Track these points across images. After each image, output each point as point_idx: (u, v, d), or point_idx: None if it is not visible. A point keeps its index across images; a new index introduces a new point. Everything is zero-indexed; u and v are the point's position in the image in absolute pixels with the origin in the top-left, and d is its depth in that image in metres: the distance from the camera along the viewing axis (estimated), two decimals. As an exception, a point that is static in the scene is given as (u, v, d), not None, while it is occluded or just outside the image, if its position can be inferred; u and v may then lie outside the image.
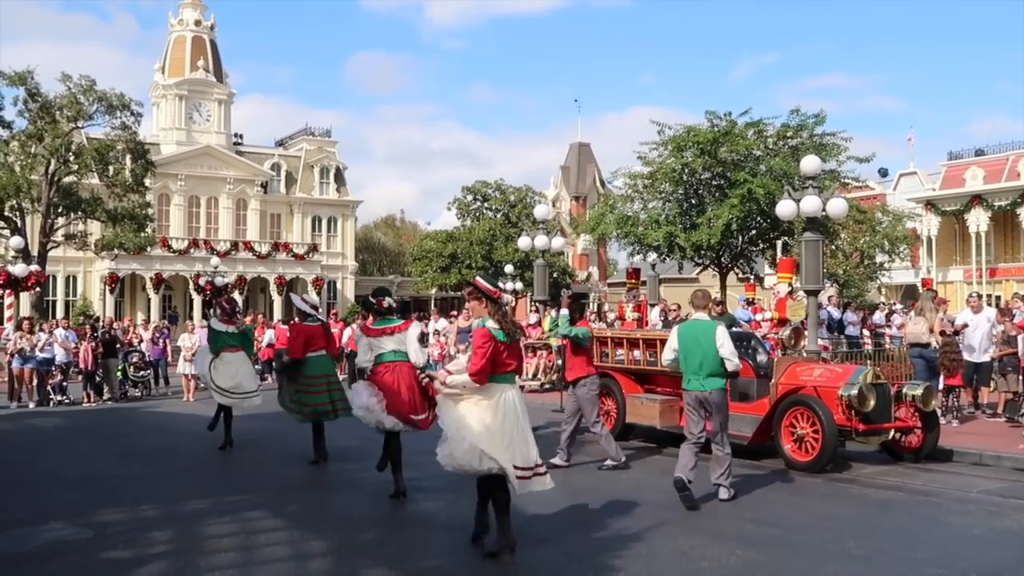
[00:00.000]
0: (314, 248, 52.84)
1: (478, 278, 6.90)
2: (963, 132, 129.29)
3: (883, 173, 50.30)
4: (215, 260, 41.29)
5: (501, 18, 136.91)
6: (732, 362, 8.61)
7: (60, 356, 19.53)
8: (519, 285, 41.87)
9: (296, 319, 11.85)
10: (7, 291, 25.83)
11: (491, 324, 6.52)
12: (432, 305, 46.05)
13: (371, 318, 9.49)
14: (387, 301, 8.89)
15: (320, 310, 13.19)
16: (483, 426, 6.37)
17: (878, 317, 22.77)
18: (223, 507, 8.68)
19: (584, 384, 10.75)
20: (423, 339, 9.97)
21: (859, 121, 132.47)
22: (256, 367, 16.62)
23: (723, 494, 8.70)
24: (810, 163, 14.22)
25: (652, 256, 28.25)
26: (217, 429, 12.65)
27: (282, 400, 11.41)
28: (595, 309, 40.19)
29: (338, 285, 55.26)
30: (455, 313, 24.52)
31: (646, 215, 28.28)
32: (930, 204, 45.48)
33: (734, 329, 12.35)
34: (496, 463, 6.34)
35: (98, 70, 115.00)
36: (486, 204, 53.44)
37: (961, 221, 45.08)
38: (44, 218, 35.47)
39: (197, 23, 53.25)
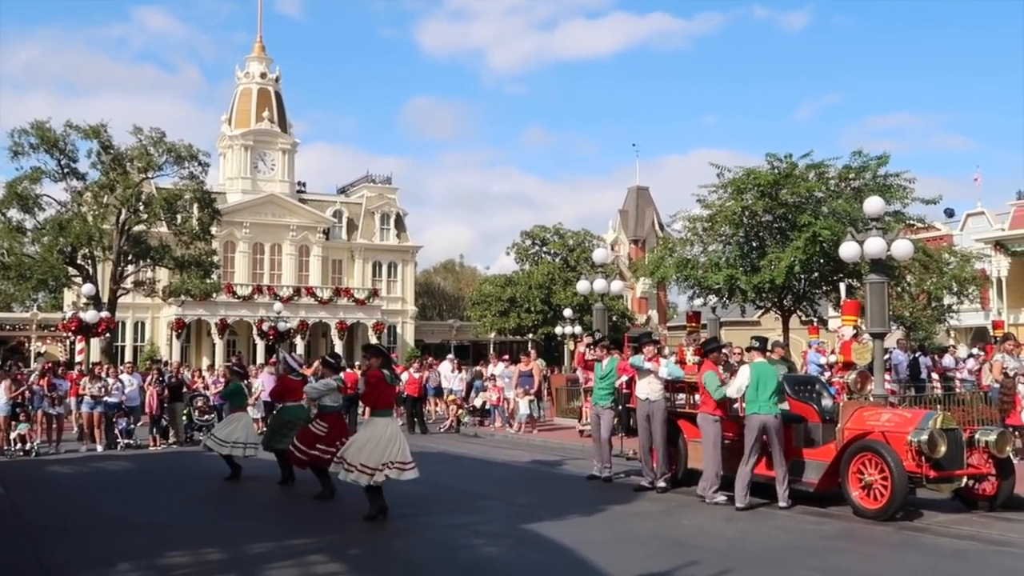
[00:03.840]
0: (374, 293, 53.47)
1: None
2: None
3: (949, 214, 49.26)
4: (278, 306, 42.12)
5: (562, 63, 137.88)
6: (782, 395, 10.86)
7: (127, 399, 19.97)
8: (578, 329, 41.72)
9: (283, 371, 13.87)
10: (79, 337, 26.56)
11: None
12: (491, 350, 46.09)
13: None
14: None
15: (304, 367, 15.23)
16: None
17: (948, 360, 22.22)
18: (285, 551, 8.72)
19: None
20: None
21: (924, 161, 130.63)
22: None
23: (782, 503, 10.44)
24: (873, 204, 14.06)
25: (712, 299, 27.98)
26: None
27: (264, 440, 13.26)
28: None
29: (398, 330, 55.73)
30: (507, 357, 24.59)
31: (706, 258, 28.03)
32: (999, 244, 44.44)
33: (800, 373, 12.43)
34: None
35: (165, 121, 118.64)
36: (545, 248, 53.60)
37: (1032, 261, 43.98)
38: (114, 266, 36.39)
39: (263, 76, 54.79)
